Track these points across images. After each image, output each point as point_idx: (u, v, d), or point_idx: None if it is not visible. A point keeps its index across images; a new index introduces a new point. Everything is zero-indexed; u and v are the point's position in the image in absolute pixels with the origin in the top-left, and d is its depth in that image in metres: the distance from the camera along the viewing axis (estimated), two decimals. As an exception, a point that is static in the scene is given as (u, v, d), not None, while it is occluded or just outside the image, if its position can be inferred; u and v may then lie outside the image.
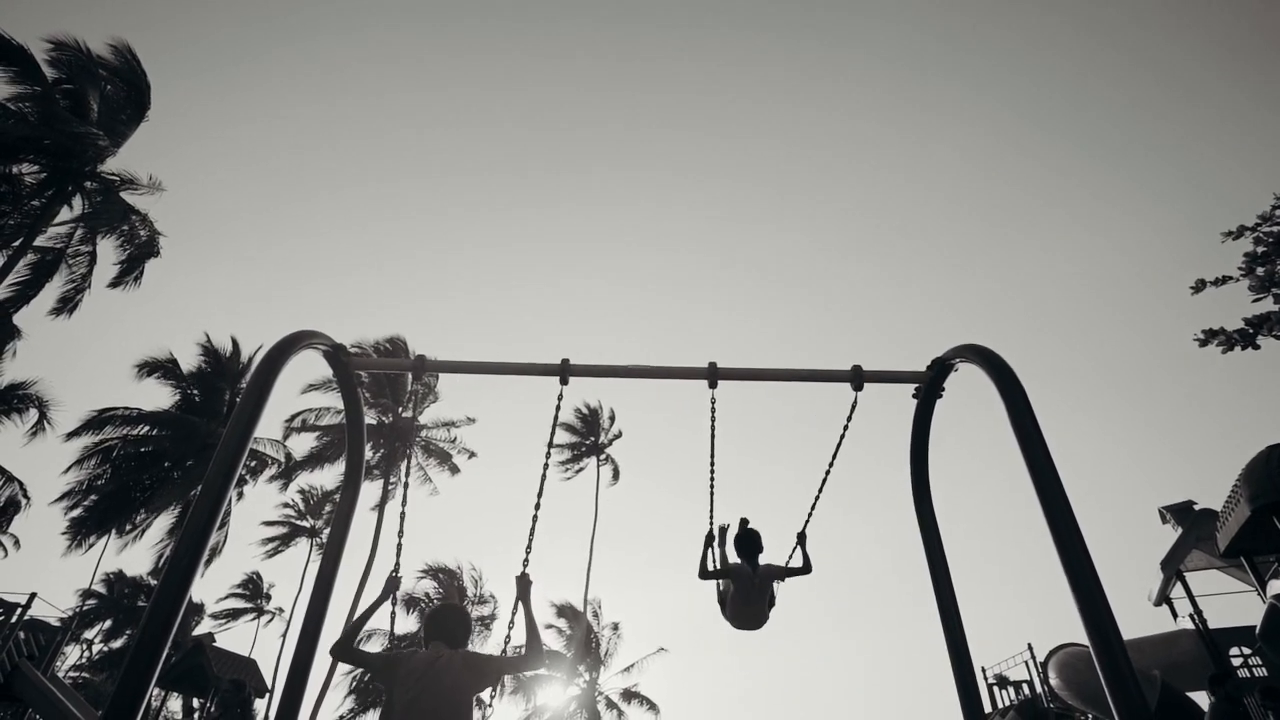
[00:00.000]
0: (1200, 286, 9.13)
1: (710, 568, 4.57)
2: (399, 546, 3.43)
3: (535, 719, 28.41)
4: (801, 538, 4.67)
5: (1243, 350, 8.64)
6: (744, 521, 4.76)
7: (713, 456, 4.15)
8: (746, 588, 4.53)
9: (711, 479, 4.29)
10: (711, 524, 4.53)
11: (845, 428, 4.01)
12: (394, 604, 3.38)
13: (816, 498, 4.47)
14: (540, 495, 3.62)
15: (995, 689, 17.07)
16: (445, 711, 2.69)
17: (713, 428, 4.02)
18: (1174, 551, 11.82)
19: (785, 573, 4.67)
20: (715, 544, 4.60)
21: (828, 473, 4.26)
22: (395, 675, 2.78)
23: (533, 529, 3.50)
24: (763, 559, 4.62)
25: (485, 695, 3.20)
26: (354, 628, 3.00)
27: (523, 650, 3.01)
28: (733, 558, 4.69)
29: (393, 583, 3.27)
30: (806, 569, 4.68)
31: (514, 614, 3.32)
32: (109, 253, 19.85)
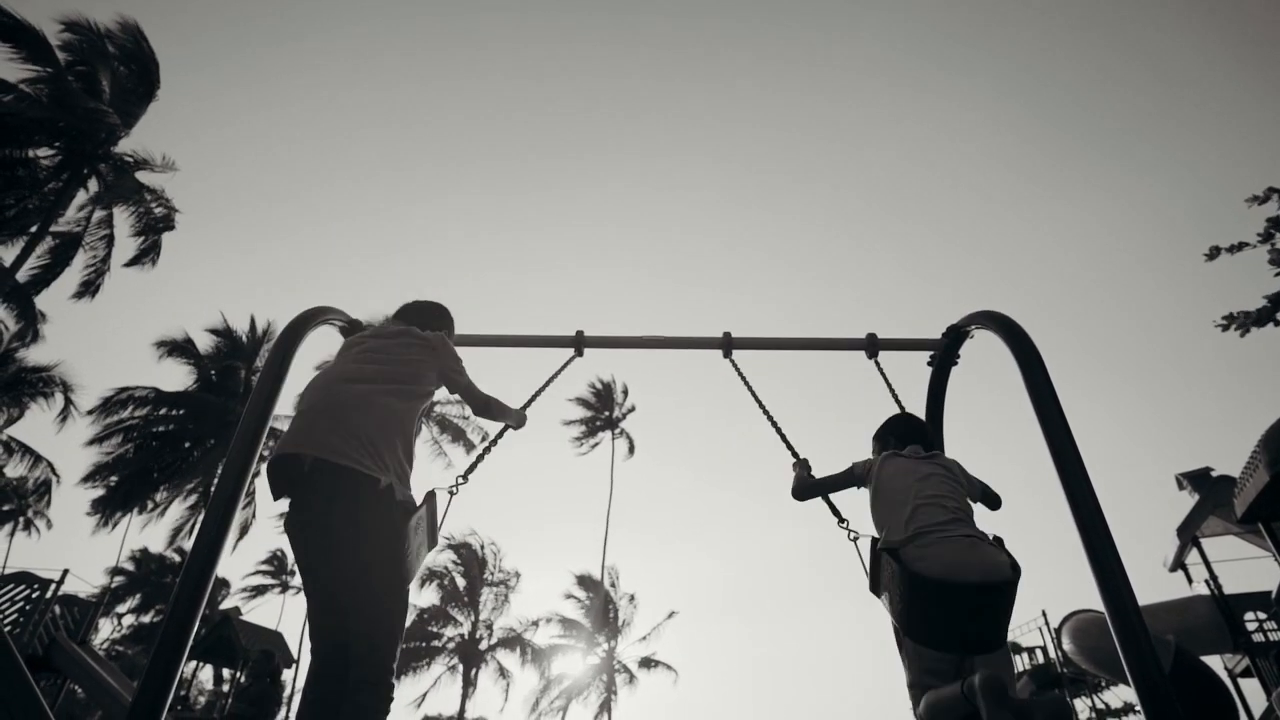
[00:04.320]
0: (1214, 254, 8.86)
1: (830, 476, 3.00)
2: None
3: (554, 688, 29.03)
4: None
5: (1259, 329, 8.45)
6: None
7: (765, 411, 3.57)
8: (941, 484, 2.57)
9: (776, 428, 3.47)
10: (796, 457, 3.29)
11: (894, 395, 3.63)
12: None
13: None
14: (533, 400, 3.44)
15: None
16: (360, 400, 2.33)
17: (750, 390, 3.63)
18: (1190, 518, 11.78)
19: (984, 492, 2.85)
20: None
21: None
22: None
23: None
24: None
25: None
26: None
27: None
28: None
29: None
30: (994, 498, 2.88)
31: None
32: (126, 231, 20.04)
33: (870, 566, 2.60)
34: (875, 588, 2.57)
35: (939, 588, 2.23)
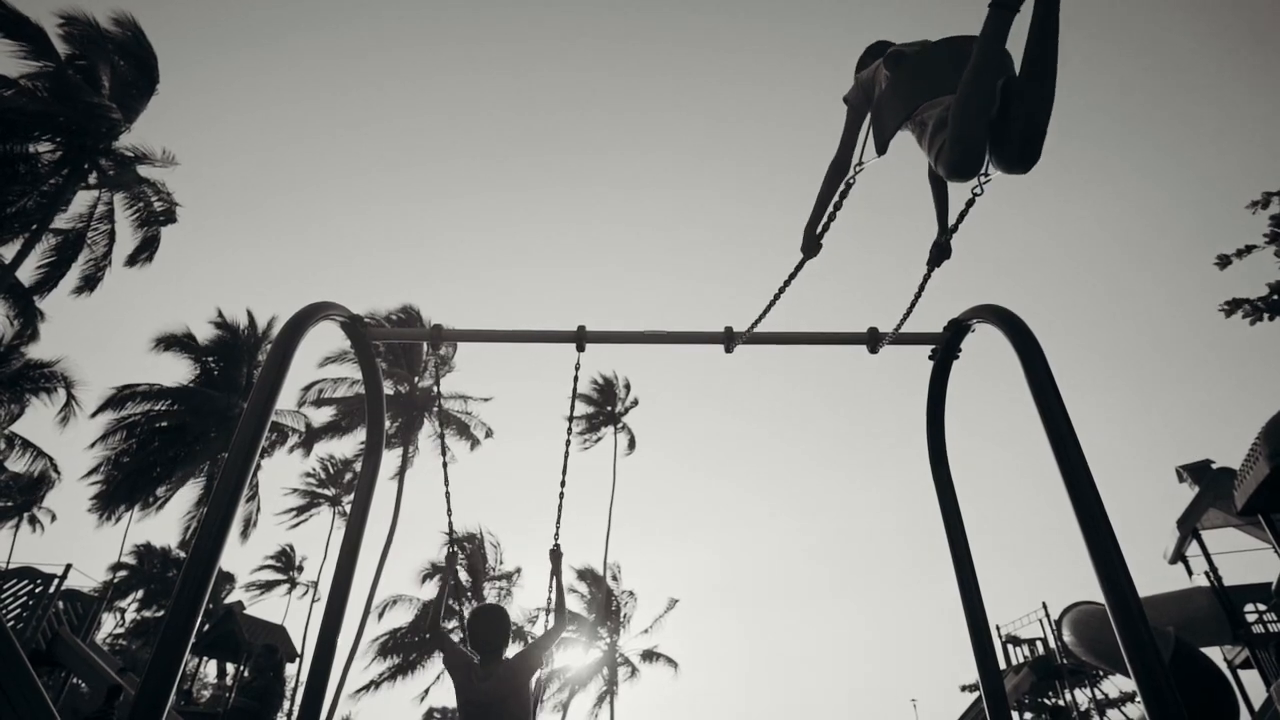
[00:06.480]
0: (1225, 262, 8.77)
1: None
2: (449, 526, 3.96)
3: (556, 680, 29.14)
4: None
5: (1270, 320, 8.39)
6: None
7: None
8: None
9: None
10: None
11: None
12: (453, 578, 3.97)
13: None
14: (565, 472, 3.74)
15: (1008, 647, 17.26)
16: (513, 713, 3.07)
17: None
18: (1190, 510, 11.80)
19: None
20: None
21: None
22: (460, 689, 3.14)
23: (560, 505, 3.64)
24: None
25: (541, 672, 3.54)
26: (435, 607, 3.48)
27: (551, 618, 3.43)
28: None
29: (451, 559, 4.00)
30: None
31: (551, 585, 3.67)
32: (127, 226, 19.97)
33: (874, 124, 2.39)
34: (881, 131, 2.35)
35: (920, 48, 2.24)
